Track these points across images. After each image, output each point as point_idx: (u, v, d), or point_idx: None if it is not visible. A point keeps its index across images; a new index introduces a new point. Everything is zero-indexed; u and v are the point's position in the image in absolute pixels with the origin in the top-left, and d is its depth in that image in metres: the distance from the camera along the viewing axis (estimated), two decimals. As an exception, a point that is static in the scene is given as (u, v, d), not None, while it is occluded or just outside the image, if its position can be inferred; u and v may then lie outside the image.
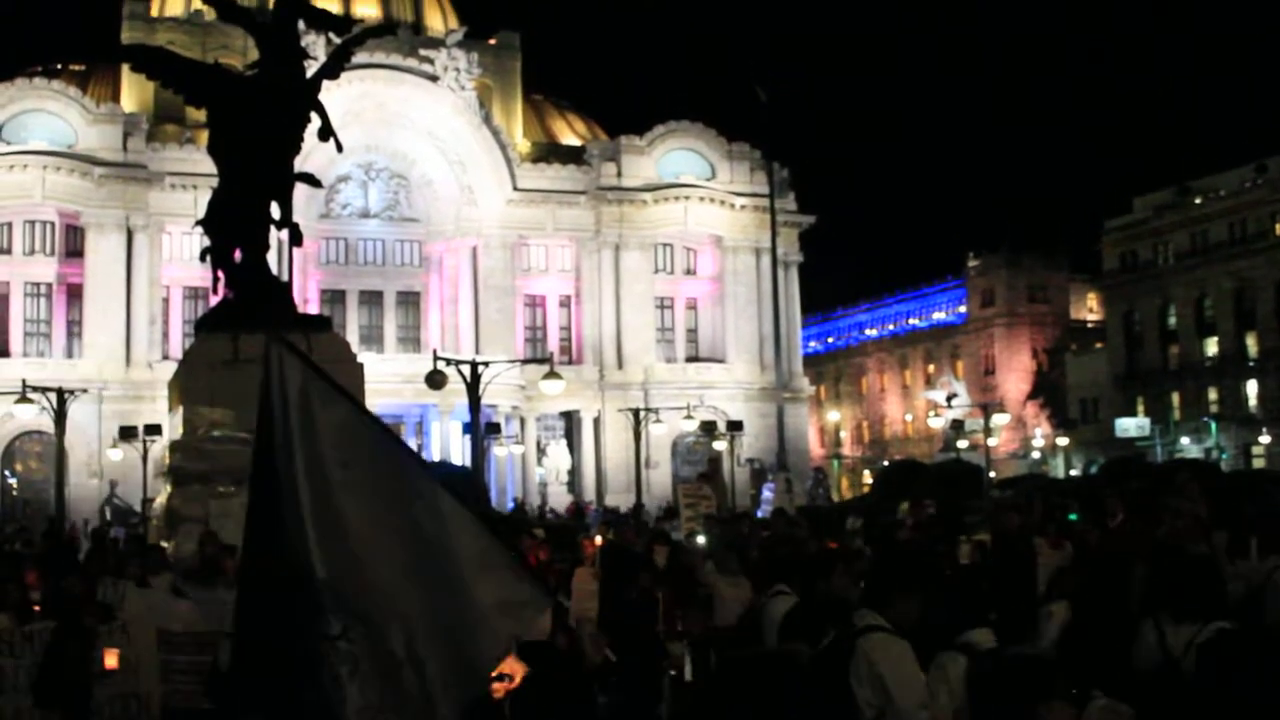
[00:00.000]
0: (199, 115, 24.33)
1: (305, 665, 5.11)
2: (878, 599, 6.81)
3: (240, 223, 20.57)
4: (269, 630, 5.18)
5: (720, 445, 61.76)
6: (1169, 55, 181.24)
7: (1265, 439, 78.49)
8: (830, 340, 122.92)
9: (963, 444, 68.12)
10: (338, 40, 23.06)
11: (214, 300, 21.97)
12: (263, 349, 5.37)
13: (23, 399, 43.88)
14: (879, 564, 8.22)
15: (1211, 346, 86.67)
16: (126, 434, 52.88)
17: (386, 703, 5.13)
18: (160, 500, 22.31)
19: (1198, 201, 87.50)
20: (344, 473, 5.23)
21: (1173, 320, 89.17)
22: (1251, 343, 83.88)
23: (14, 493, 67.22)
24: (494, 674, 6.05)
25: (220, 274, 20.90)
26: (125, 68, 56.16)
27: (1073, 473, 78.94)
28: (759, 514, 38.41)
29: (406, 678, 5.16)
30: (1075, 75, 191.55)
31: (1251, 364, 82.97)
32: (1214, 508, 12.44)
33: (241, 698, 5.33)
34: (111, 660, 10.32)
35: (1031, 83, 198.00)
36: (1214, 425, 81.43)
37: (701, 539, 17.28)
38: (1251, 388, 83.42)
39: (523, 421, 73.33)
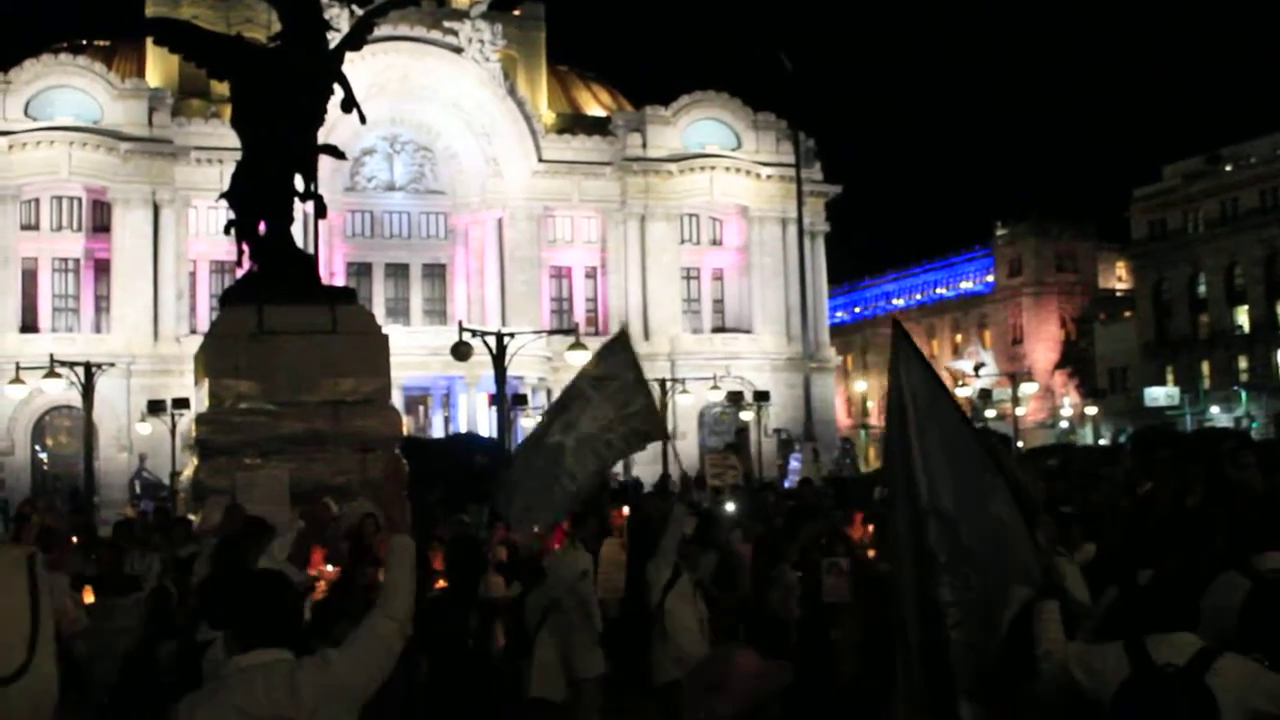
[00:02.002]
0: (223, 89, 24.25)
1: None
2: None
3: (264, 196, 20.52)
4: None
5: (747, 416, 61.69)
6: (1207, 19, 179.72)
7: (1296, 408, 78.09)
8: (857, 310, 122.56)
9: (990, 414, 67.93)
10: (360, 12, 23.00)
11: (239, 274, 21.97)
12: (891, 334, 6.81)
13: (51, 374, 44.03)
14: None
15: (1242, 315, 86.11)
16: (155, 408, 53.18)
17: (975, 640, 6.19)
18: (187, 473, 22.38)
19: (1228, 169, 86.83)
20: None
21: (1202, 289, 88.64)
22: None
23: (44, 467, 67.62)
24: None
25: (245, 247, 20.88)
26: (149, 42, 56.17)
27: (1101, 442, 78.65)
28: (785, 484, 38.36)
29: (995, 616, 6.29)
30: (1110, 40, 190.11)
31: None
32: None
33: None
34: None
35: (1064, 50, 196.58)
36: (1244, 394, 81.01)
37: (731, 506, 17.24)
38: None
39: (549, 393, 73.18)
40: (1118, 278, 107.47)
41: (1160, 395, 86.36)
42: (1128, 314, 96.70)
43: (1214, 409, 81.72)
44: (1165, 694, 5.71)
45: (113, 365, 53.08)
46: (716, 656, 5.48)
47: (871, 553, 12.80)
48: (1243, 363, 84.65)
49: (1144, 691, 5.76)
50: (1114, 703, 5.84)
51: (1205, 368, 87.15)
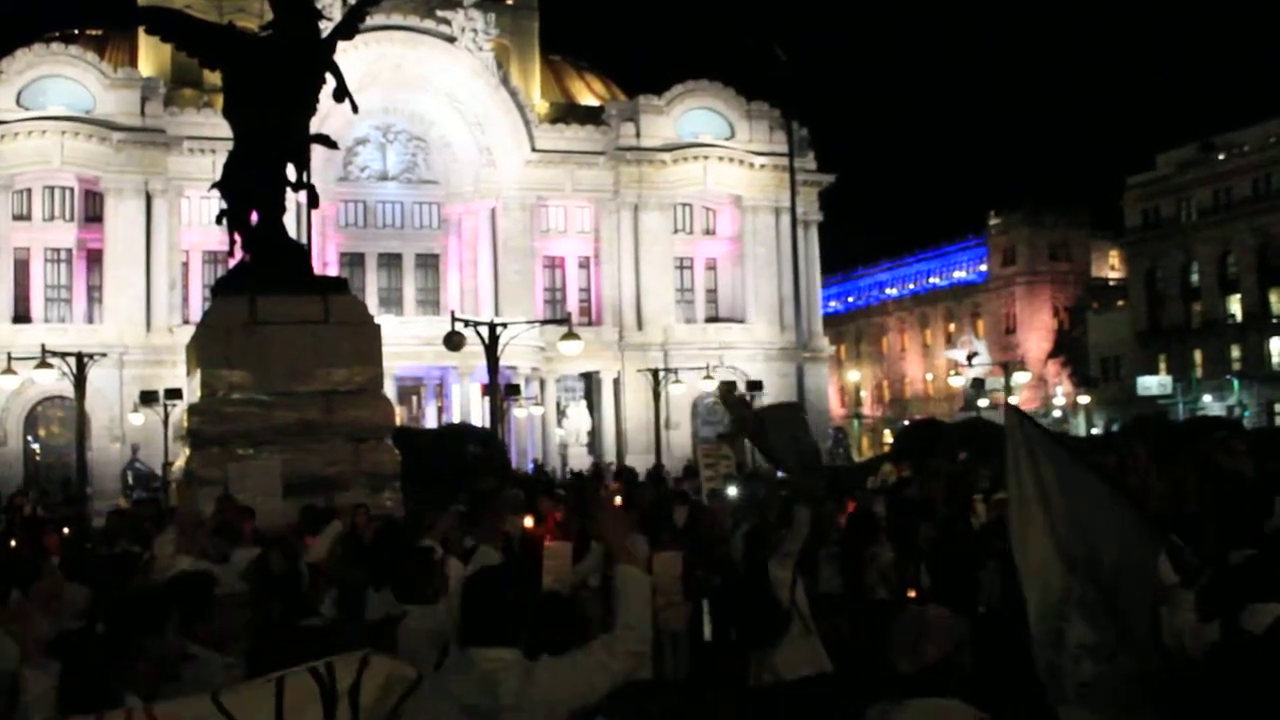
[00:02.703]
0: (216, 79, 24.25)
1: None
2: None
3: (256, 185, 20.48)
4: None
5: (740, 406, 61.52)
6: (1201, 10, 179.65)
7: (1288, 396, 78.24)
8: (850, 300, 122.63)
9: (983, 403, 68.00)
10: (353, 1, 22.93)
11: (232, 264, 21.95)
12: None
13: (43, 364, 43.97)
14: None
15: (1234, 304, 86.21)
16: (147, 398, 53.11)
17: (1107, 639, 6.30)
18: (179, 464, 22.36)
19: (1221, 157, 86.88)
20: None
21: (1195, 277, 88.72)
22: (1275, 299, 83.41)
23: (37, 458, 67.56)
24: None
25: (237, 237, 20.85)
26: (141, 31, 56.00)
27: (1094, 431, 78.73)
28: (779, 474, 38.31)
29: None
30: (1104, 30, 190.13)
31: (1275, 321, 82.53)
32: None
33: None
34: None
35: (1053, 39, 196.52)
36: (1236, 383, 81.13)
37: (733, 490, 17.16)
38: (1275, 345, 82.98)
39: (542, 383, 73.34)
40: (1111, 267, 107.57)
41: (1153, 384, 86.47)
42: (1121, 303, 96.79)
43: (1207, 398, 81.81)
44: (1244, 658, 6.21)
45: (105, 356, 53.03)
46: (913, 613, 5.68)
47: None
48: (1235, 352, 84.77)
49: (1227, 655, 6.35)
50: (1203, 666, 6.49)
51: (1198, 357, 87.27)
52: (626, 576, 5.59)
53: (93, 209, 70.67)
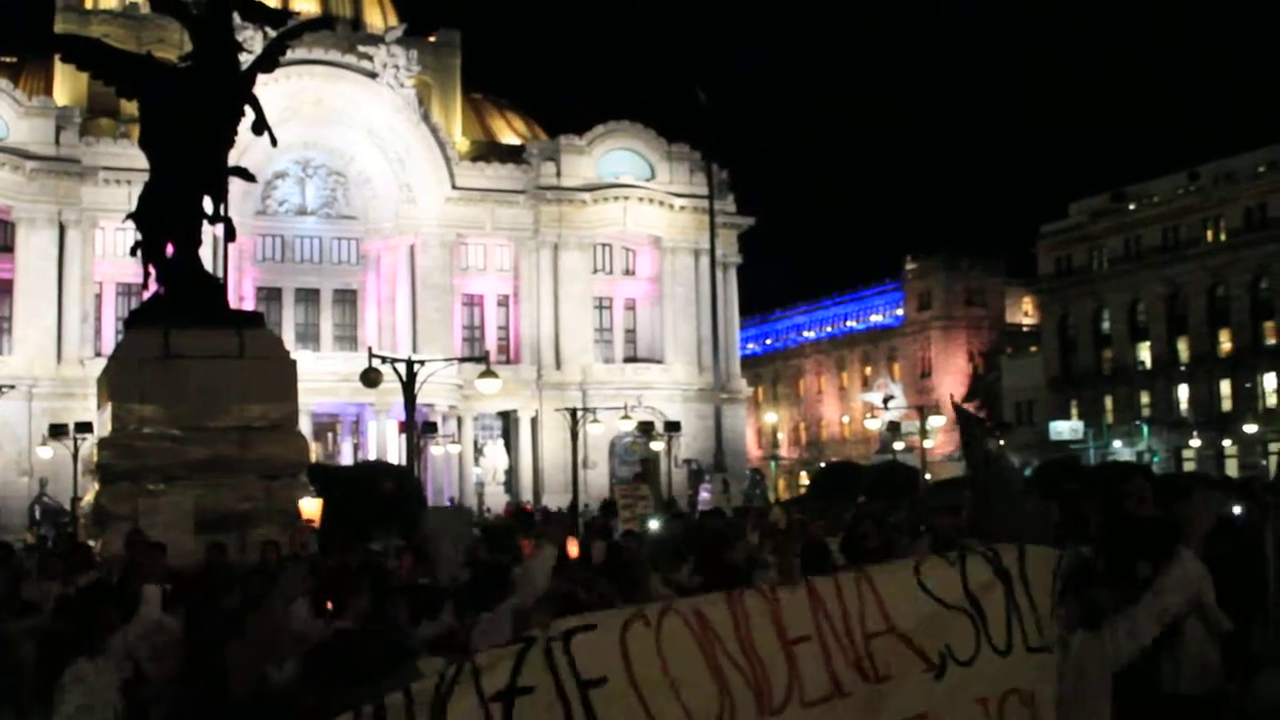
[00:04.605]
0: (133, 109, 23.95)
1: None
2: None
3: (172, 217, 20.24)
4: None
5: (658, 446, 61.77)
6: (1105, 63, 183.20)
7: (1196, 442, 79.44)
8: (768, 342, 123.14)
9: (899, 446, 68.53)
10: (274, 34, 22.77)
11: (146, 296, 21.65)
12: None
13: (-51, 395, 43.14)
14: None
15: (1144, 351, 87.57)
16: (57, 432, 52.16)
17: None
18: (88, 499, 21.96)
19: (1132, 207, 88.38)
20: None
21: (1106, 325, 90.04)
22: (1183, 348, 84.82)
23: (-59, 491, 66.08)
24: None
25: (152, 269, 20.57)
26: (58, 59, 55.41)
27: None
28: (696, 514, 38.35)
29: None
30: (1013, 83, 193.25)
31: (1183, 369, 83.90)
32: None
33: None
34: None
35: (969, 89, 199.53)
36: (1146, 428, 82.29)
37: (655, 524, 17.11)
38: (1183, 392, 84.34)
39: (460, 421, 72.98)
40: (1024, 313, 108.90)
41: (1065, 429, 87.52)
42: (1034, 349, 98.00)
43: (1117, 443, 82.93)
44: None
45: (13, 387, 52.19)
46: None
47: None
48: (1145, 398, 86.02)
49: None
50: None
51: (1109, 402, 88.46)
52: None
53: (4, 238, 69.62)
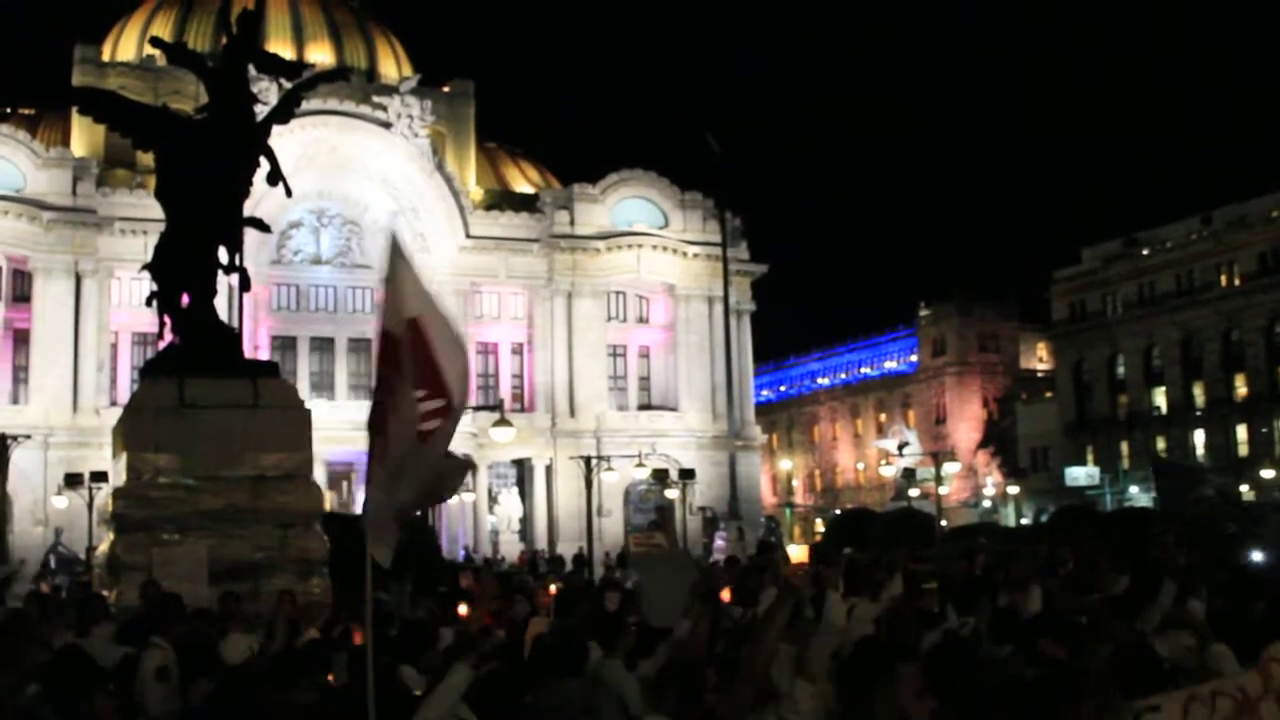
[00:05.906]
0: (149, 160, 24.09)
1: None
2: None
3: (188, 268, 20.26)
4: None
5: (672, 493, 61.66)
6: (1120, 107, 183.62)
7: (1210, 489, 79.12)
8: (782, 389, 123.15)
9: (914, 492, 68.33)
10: (289, 85, 22.89)
11: (161, 346, 21.68)
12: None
13: (-35, 445, 43.23)
14: None
15: (1159, 396, 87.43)
16: (72, 481, 52.17)
17: None
18: (103, 548, 21.93)
19: (1145, 252, 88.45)
20: None
21: (1121, 370, 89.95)
22: (1198, 392, 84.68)
23: (-44, 541, 66.12)
24: None
25: (167, 319, 20.60)
26: (74, 111, 55.85)
27: (1023, 521, 79.19)
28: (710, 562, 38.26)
29: None
30: (1026, 127, 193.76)
31: (1198, 414, 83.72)
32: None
33: None
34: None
35: (982, 133, 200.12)
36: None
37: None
38: (1199, 437, 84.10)
39: (474, 469, 72.93)
40: (1039, 358, 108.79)
41: (1080, 475, 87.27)
42: (1049, 394, 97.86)
43: (1133, 488, 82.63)
44: None
45: (29, 437, 52.21)
46: None
47: None
48: (1160, 443, 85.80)
49: None
50: None
51: (1124, 448, 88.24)
52: None
53: (21, 288, 69.96)
